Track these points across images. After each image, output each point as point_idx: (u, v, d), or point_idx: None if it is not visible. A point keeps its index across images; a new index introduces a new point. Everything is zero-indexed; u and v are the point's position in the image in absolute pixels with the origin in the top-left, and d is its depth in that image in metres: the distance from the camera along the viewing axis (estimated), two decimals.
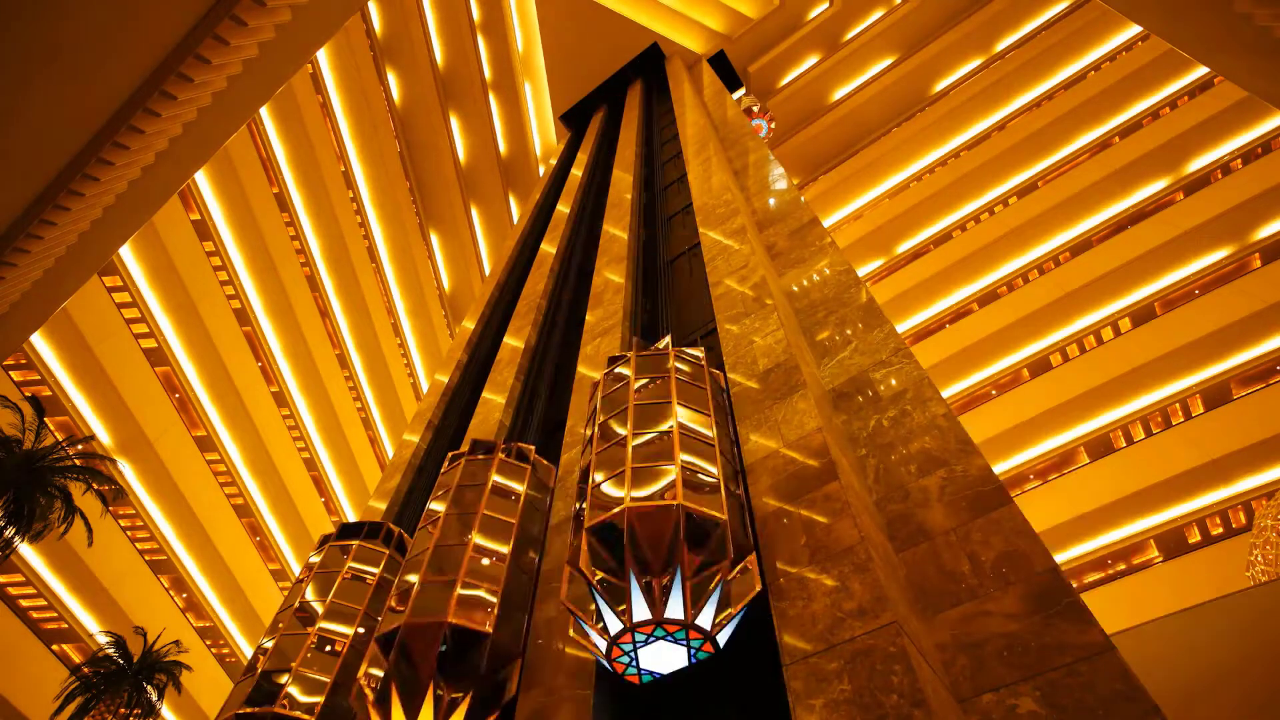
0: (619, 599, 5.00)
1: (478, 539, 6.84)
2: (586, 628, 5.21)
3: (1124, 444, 23.87)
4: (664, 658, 5.11)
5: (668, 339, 7.96)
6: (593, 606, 5.22)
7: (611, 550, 5.17)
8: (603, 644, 5.10)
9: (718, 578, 4.91)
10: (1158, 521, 21.77)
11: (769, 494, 5.83)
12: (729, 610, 4.93)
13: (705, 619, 4.85)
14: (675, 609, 4.84)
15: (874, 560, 4.69)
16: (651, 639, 5.00)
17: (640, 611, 4.89)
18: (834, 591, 4.65)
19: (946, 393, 28.12)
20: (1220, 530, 21.26)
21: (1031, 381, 26.06)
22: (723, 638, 4.96)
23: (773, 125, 33.04)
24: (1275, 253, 23.47)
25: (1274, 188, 23.48)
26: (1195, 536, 21.60)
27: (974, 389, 28.01)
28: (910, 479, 5.80)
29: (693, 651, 5.03)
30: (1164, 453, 21.73)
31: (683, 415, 6.08)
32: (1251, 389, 22.03)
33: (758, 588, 4.99)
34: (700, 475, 5.49)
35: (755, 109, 30.46)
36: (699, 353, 7.26)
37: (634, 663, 5.16)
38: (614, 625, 4.99)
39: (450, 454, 8.56)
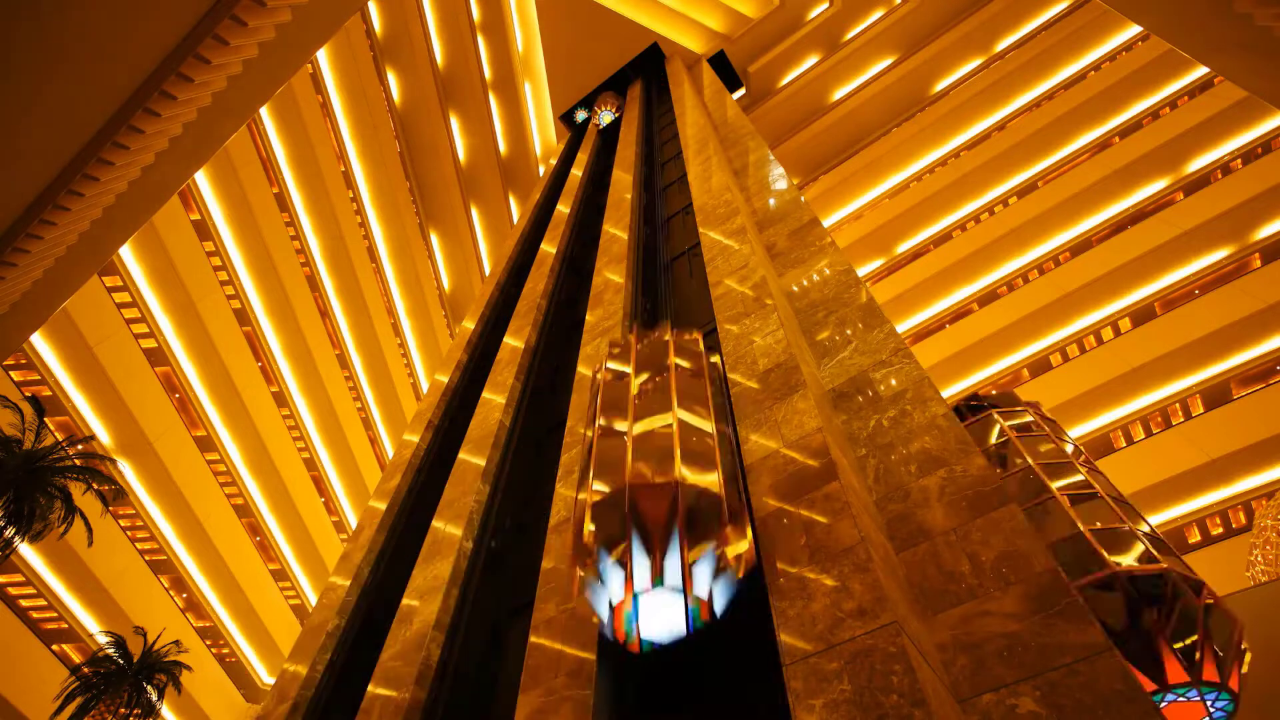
0: (622, 567, 5.06)
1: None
2: (592, 592, 5.18)
3: (1124, 444, 23.86)
4: (662, 620, 5.09)
5: (666, 324, 7.90)
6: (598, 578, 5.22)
7: (613, 522, 5.19)
8: (606, 610, 5.10)
9: (712, 545, 4.97)
10: (1158, 521, 21.77)
11: (769, 494, 5.83)
12: (724, 575, 4.98)
13: (702, 585, 4.89)
14: (673, 575, 4.92)
15: (874, 560, 4.69)
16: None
17: (641, 579, 4.95)
18: (834, 591, 4.65)
19: (946, 393, 28.12)
20: (1220, 530, 21.26)
21: (1031, 381, 26.07)
22: (719, 605, 4.98)
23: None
24: (1275, 253, 23.46)
25: (1274, 188, 23.48)
26: (1195, 536, 21.60)
27: (974, 389, 28.00)
28: (910, 479, 5.80)
29: (690, 616, 5.02)
30: (1164, 453, 21.72)
31: (679, 408, 5.95)
32: (1251, 389, 22.02)
33: (749, 555, 5.03)
34: (696, 447, 5.49)
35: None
36: (698, 337, 7.00)
37: (635, 630, 5.13)
38: (616, 591, 5.03)
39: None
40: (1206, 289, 24.08)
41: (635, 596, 5.04)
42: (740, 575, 5.02)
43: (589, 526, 5.30)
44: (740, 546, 5.08)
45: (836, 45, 36.12)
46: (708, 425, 6.06)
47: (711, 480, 5.33)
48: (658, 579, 4.97)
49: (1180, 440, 21.58)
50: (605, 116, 26.09)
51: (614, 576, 5.07)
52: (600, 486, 5.48)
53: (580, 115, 35.91)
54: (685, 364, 6.82)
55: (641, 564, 5.01)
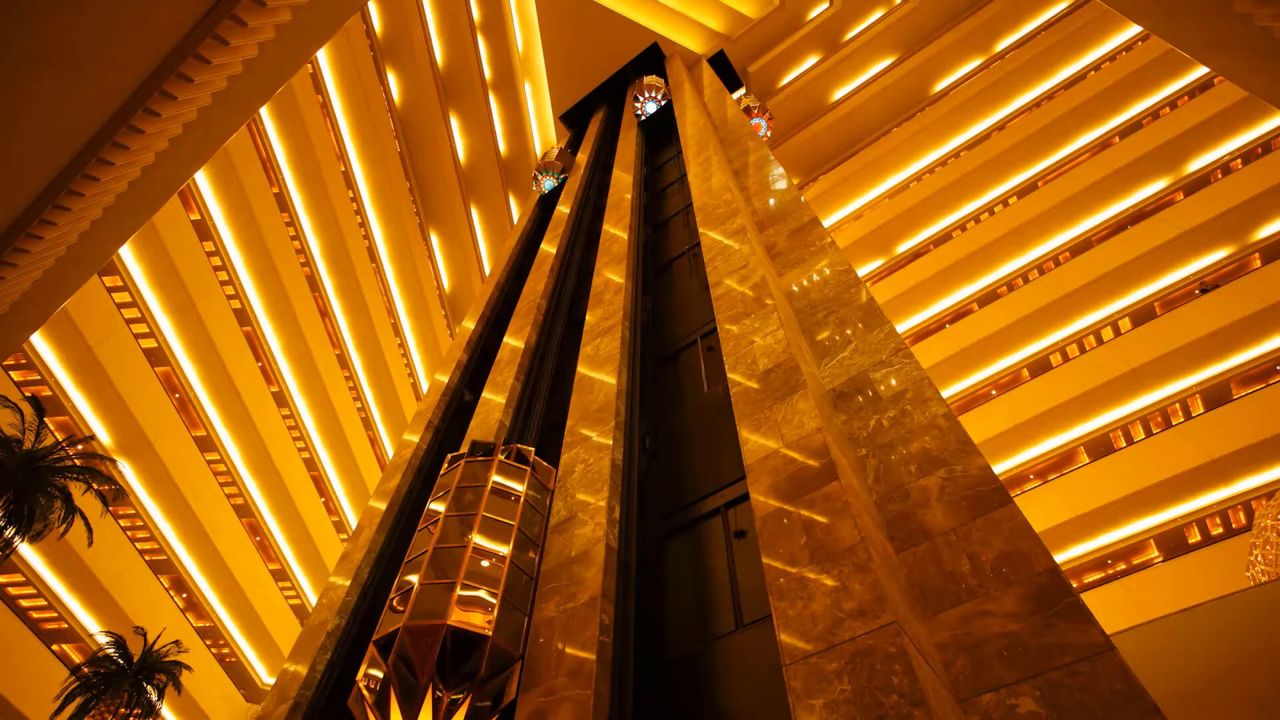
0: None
1: (478, 540, 6.85)
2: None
3: (1124, 444, 23.86)
4: None
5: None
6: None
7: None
8: None
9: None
10: (1158, 521, 21.76)
11: (769, 494, 5.83)
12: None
13: None
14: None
15: (874, 560, 4.69)
16: None
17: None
18: (834, 591, 4.65)
19: (946, 393, 28.11)
20: (1220, 530, 21.25)
21: (1031, 381, 26.05)
22: None
23: (771, 122, 32.49)
24: (1275, 253, 23.46)
25: (1274, 188, 23.47)
26: (1195, 536, 21.59)
27: (974, 389, 28.00)
28: (910, 479, 5.80)
29: None
30: (1164, 453, 21.71)
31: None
32: (1251, 389, 22.02)
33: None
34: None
35: (754, 107, 30.22)
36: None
37: None
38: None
39: (450, 455, 8.56)
40: (1206, 289, 24.08)
41: None
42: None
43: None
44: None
45: (836, 45, 36.10)
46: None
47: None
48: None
49: (1180, 440, 21.57)
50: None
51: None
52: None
53: (647, 105, 33.24)
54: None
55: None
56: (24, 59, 9.77)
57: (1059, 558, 22.60)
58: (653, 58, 34.31)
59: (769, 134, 30.81)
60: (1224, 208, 24.10)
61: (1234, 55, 10.12)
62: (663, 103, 24.82)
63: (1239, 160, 25.63)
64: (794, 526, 5.35)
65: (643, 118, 24.77)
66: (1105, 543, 22.48)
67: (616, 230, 15.42)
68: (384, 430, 44.04)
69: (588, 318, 12.35)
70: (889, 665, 3.97)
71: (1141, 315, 25.18)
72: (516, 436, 11.49)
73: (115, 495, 22.04)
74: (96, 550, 25.02)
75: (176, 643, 25.24)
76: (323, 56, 33.27)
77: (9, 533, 19.18)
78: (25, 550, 25.71)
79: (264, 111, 31.91)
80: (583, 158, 27.54)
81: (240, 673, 35.88)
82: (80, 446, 22.87)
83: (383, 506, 12.22)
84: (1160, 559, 21.71)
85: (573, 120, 36.81)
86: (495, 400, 12.39)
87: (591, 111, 35.86)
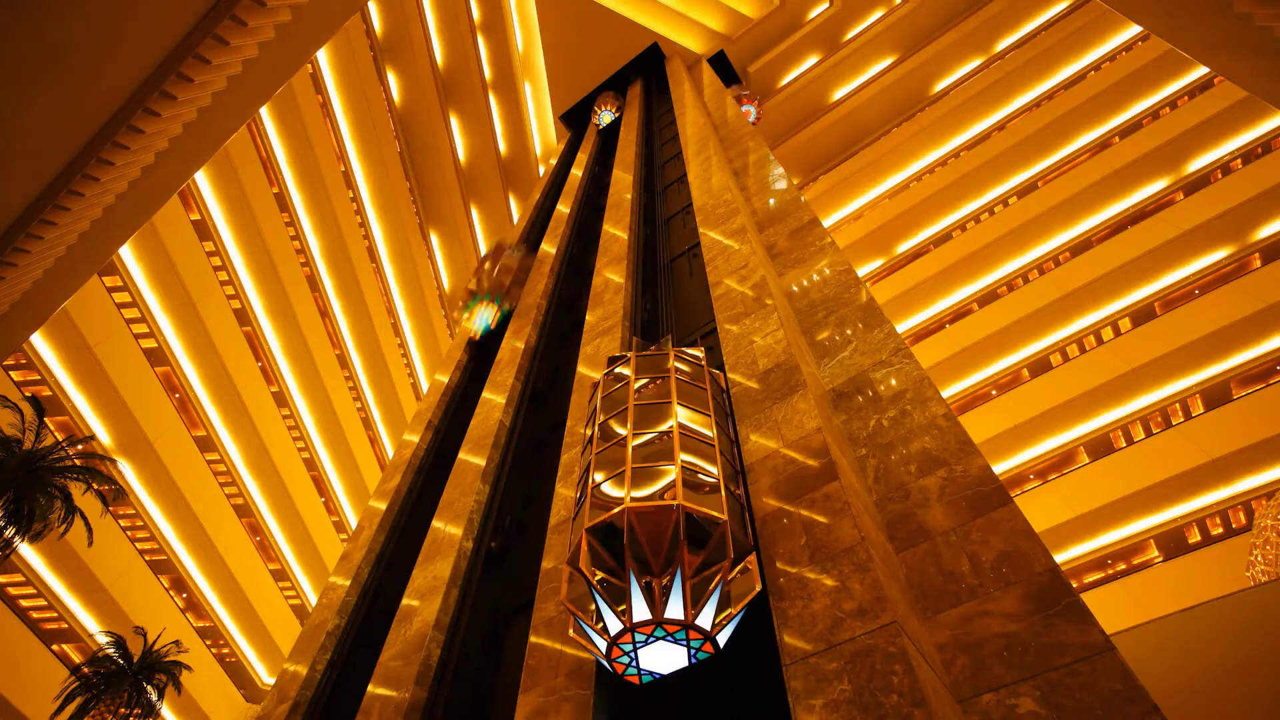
0: (619, 599, 4.88)
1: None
2: (586, 628, 5.07)
3: (1124, 444, 23.86)
4: (664, 658, 5.01)
5: (668, 339, 7.82)
6: (592, 607, 5.08)
7: (611, 550, 5.03)
8: (603, 644, 4.98)
9: (718, 578, 4.80)
10: (1158, 521, 21.76)
11: (769, 494, 5.83)
12: (729, 610, 4.85)
13: (705, 619, 4.79)
14: (675, 609, 4.77)
15: (874, 560, 4.69)
16: (651, 639, 4.87)
17: (640, 612, 4.79)
18: (834, 591, 4.65)
19: (946, 393, 28.12)
20: (1220, 530, 21.26)
21: (1031, 381, 26.06)
22: (722, 638, 4.91)
23: (760, 108, 33.51)
24: (1275, 253, 23.46)
25: (1274, 188, 23.47)
26: (1195, 536, 21.60)
27: (974, 389, 28.00)
28: (910, 479, 5.80)
29: (692, 652, 4.94)
30: (1164, 453, 21.72)
31: (683, 415, 5.85)
32: (1251, 389, 22.02)
33: (757, 587, 4.92)
34: (700, 475, 5.32)
35: (744, 95, 31.70)
36: (699, 353, 7.03)
37: (634, 663, 5.02)
38: (614, 625, 4.86)
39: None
40: (1206, 289, 24.08)
41: (634, 632, 4.87)
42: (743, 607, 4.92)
43: (585, 553, 5.09)
44: (747, 583, 4.99)
45: (836, 45, 36.10)
46: (710, 433, 5.91)
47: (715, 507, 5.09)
48: (659, 613, 4.77)
49: (1180, 440, 21.57)
50: (605, 116, 29.25)
51: (611, 610, 4.91)
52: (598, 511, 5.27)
53: (602, 115, 35.00)
54: (685, 369, 6.71)
55: (640, 597, 4.84)
56: (25, 59, 9.77)
57: (1059, 558, 22.61)
58: (653, 58, 34.32)
59: (759, 119, 32.54)
60: (1224, 208, 24.10)
61: (1234, 55, 10.13)
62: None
63: (1239, 160, 25.63)
64: (794, 526, 5.35)
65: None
66: (1105, 543, 22.49)
67: (616, 230, 15.43)
68: (384, 430, 44.06)
69: (588, 318, 12.34)
70: (889, 665, 3.98)
71: (1141, 315, 25.18)
72: (517, 436, 11.49)
73: (115, 495, 22.05)
74: (96, 550, 25.06)
75: (176, 643, 25.25)
76: (323, 56, 33.28)
77: (9, 533, 19.19)
78: (25, 550, 25.72)
79: (264, 111, 31.91)
80: (583, 157, 27.54)
81: (240, 673, 35.89)
82: (80, 446, 22.88)
83: (383, 506, 12.23)
84: (1160, 559, 21.71)
85: (573, 120, 36.81)
86: (495, 400, 12.39)
87: (591, 111, 35.85)
